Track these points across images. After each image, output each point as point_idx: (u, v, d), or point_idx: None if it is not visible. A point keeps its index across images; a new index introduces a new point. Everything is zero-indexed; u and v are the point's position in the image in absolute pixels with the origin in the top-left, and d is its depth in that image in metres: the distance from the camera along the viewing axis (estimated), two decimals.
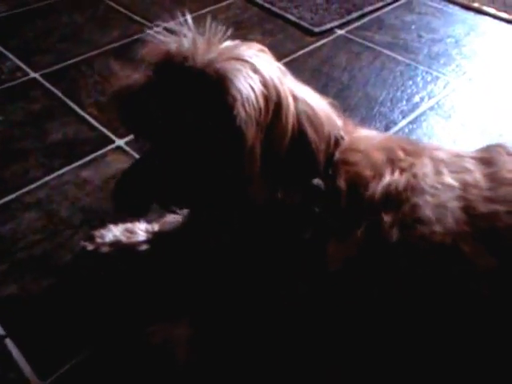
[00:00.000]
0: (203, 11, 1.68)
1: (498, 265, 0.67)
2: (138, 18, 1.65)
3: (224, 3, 1.75)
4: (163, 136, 0.59)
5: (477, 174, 0.72)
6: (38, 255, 0.90)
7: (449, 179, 0.71)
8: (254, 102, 0.58)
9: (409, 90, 1.36)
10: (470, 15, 1.73)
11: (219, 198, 0.63)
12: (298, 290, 0.71)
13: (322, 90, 1.30)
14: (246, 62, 0.60)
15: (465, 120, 1.26)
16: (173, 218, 0.89)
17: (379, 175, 0.69)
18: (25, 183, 1.04)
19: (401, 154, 0.72)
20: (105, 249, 0.88)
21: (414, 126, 1.24)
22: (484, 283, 0.67)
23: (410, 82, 1.39)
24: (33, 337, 0.79)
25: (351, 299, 0.69)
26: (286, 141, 0.62)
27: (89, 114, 1.23)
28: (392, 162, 0.71)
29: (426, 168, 0.71)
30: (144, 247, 0.87)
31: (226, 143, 0.59)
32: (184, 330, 0.75)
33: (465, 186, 0.70)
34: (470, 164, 0.74)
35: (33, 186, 1.03)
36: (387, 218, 0.67)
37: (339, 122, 0.71)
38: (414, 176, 0.70)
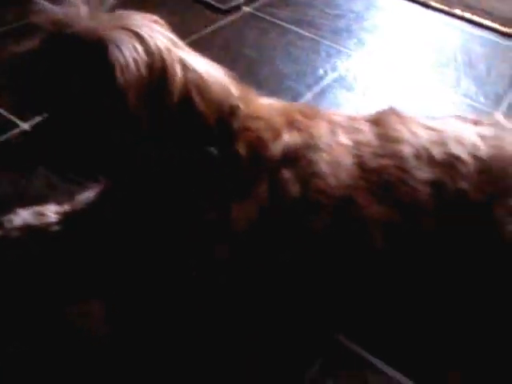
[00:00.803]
0: None
1: (388, 213, 0.74)
2: None
3: None
4: (52, 103, 0.60)
5: (368, 134, 0.78)
6: None
7: (343, 139, 0.76)
8: (134, 69, 0.60)
9: (314, 64, 1.42)
10: None
11: (112, 161, 0.65)
12: (206, 256, 0.74)
13: (231, 66, 1.31)
14: (131, 30, 0.62)
15: (366, 90, 1.34)
16: (83, 198, 0.89)
17: (278, 136, 0.73)
18: None
19: (299, 117, 0.77)
20: (15, 233, 0.86)
21: (320, 97, 1.30)
22: (377, 230, 0.73)
23: (315, 56, 1.45)
24: None
25: (260, 254, 0.73)
26: (173, 107, 0.64)
27: None
28: (290, 124, 0.75)
29: (322, 129, 0.77)
30: (55, 228, 0.86)
31: (109, 108, 0.60)
32: (99, 306, 0.76)
33: (357, 144, 0.76)
34: (363, 125, 0.80)
35: None
36: (286, 174, 0.71)
37: (236, 91, 0.74)
38: (311, 136, 0.75)
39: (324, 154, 0.74)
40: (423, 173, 0.75)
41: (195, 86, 0.66)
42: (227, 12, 1.61)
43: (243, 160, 0.71)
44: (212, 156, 0.68)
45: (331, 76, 1.38)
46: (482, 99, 1.33)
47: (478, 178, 0.76)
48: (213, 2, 1.63)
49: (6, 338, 0.76)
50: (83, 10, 0.62)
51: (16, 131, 1.10)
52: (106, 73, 0.59)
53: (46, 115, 0.64)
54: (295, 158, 0.73)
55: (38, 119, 1.02)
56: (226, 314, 0.78)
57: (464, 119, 0.87)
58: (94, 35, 0.60)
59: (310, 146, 0.74)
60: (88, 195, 0.89)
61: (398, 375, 0.75)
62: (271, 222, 0.72)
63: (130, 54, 0.60)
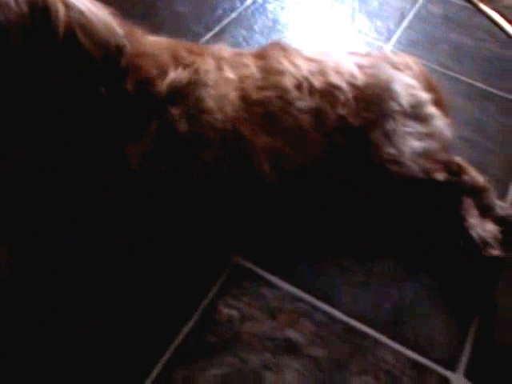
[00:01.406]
0: None
1: (274, 142, 0.80)
2: None
3: None
4: None
5: (252, 68, 0.82)
6: None
7: (228, 74, 0.80)
8: (15, 7, 0.60)
9: (213, 5, 1.42)
10: None
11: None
12: (106, 192, 0.77)
13: (130, 9, 1.31)
14: None
15: (264, 29, 1.37)
16: None
17: (164, 73, 0.75)
18: None
19: (185, 54, 0.79)
20: None
21: (219, 38, 1.31)
22: (262, 159, 0.79)
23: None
24: None
25: (157, 185, 0.78)
26: (59, 45, 0.65)
27: None
28: (176, 61, 0.78)
29: (208, 65, 0.80)
30: None
31: None
32: (3, 251, 0.78)
33: (242, 78, 0.80)
34: (248, 60, 0.84)
35: None
36: (175, 111, 0.75)
37: (121, 30, 0.75)
38: (197, 72, 0.78)
39: (210, 90, 0.78)
40: (304, 102, 0.81)
41: (79, 24, 0.67)
42: None
43: (132, 97, 0.73)
44: (101, 94, 0.70)
45: (230, 16, 1.39)
46: (374, 34, 1.40)
47: (356, 104, 0.83)
48: None
49: None
50: None
51: None
52: None
53: None
54: (182, 94, 0.76)
55: None
56: (127, 244, 0.82)
57: (346, 51, 0.93)
58: None
59: (197, 82, 0.77)
60: None
61: (290, 287, 0.82)
62: (164, 156, 0.76)
63: None
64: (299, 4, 1.48)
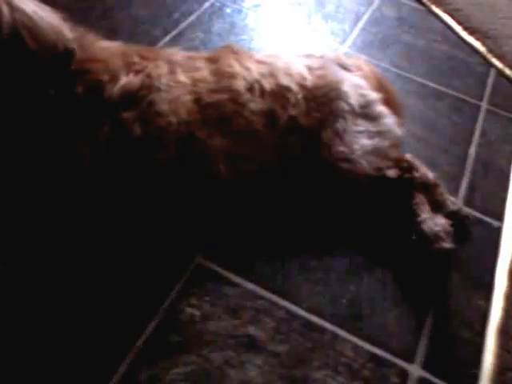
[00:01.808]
0: None
1: (227, 143, 0.81)
2: None
3: None
4: None
5: (205, 71, 0.83)
6: None
7: (181, 77, 0.81)
8: None
9: (170, 8, 1.43)
10: None
11: None
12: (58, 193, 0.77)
13: (87, 12, 1.30)
14: None
15: (222, 32, 1.38)
16: None
17: (115, 78, 0.76)
18: None
19: (137, 59, 0.80)
20: None
21: (177, 41, 1.32)
22: (217, 160, 0.80)
23: (174, 1, 1.46)
24: None
25: (110, 185, 0.78)
26: (4, 45, 0.65)
27: None
28: (128, 66, 0.78)
29: (160, 69, 0.81)
30: None
31: None
32: None
33: (195, 81, 0.81)
34: (200, 63, 0.85)
35: None
36: (127, 115, 0.75)
37: (71, 34, 0.75)
38: (149, 76, 0.79)
39: (163, 94, 0.78)
40: (256, 104, 0.82)
41: (24, 26, 0.67)
42: None
43: (82, 101, 0.73)
44: (51, 96, 0.70)
45: (188, 19, 1.40)
46: (330, 36, 1.43)
47: (306, 105, 0.86)
48: None
49: None
50: None
51: None
52: None
53: None
54: (135, 99, 0.77)
55: None
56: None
57: (298, 54, 0.95)
58: None
59: (149, 86, 0.78)
60: None
61: (251, 285, 0.84)
62: (117, 158, 0.76)
63: None
64: (257, 7, 1.50)
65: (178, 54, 0.86)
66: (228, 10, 1.47)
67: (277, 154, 0.85)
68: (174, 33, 1.34)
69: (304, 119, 0.85)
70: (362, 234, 0.93)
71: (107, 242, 0.84)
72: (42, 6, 0.74)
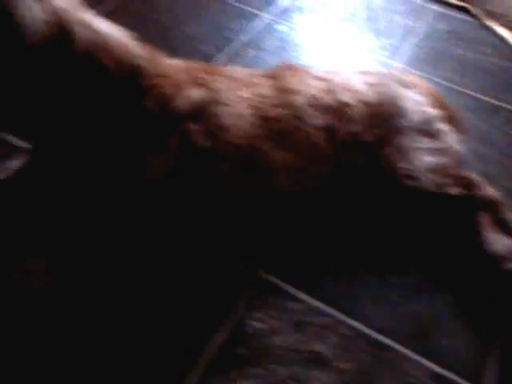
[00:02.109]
0: None
1: (289, 157, 0.82)
2: None
3: None
4: None
5: (265, 87, 0.85)
6: None
7: (243, 93, 0.83)
8: (34, 26, 0.64)
9: (224, 26, 1.46)
10: None
11: (33, 117, 0.70)
12: (129, 204, 0.79)
13: (144, 32, 1.34)
14: None
15: (275, 50, 1.40)
16: (12, 165, 0.91)
17: (182, 92, 0.78)
18: None
19: (201, 74, 0.82)
20: None
21: (231, 58, 1.34)
22: (279, 172, 0.81)
23: (224, 18, 1.49)
24: None
25: (177, 198, 0.80)
26: (78, 63, 0.68)
27: None
28: (193, 81, 0.80)
29: (223, 84, 0.82)
30: None
31: (16, 63, 0.64)
32: (40, 262, 0.80)
33: (256, 97, 0.83)
34: (261, 80, 0.86)
35: None
36: (194, 127, 0.77)
37: (142, 52, 0.78)
38: (213, 91, 0.81)
39: (227, 108, 0.80)
40: (316, 119, 0.83)
41: (99, 45, 0.70)
42: None
43: (153, 114, 0.76)
44: (124, 112, 0.72)
45: (241, 37, 1.42)
46: (381, 52, 1.43)
47: (367, 121, 0.85)
48: None
49: None
50: None
51: None
52: (9, 30, 0.62)
53: None
54: (201, 112, 0.79)
55: None
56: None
57: (353, 70, 0.95)
58: None
59: (214, 100, 0.80)
60: (17, 163, 0.91)
61: (314, 301, 0.83)
62: (185, 168, 0.78)
63: (29, 12, 0.63)
64: (307, 23, 1.51)
65: (238, 70, 0.88)
66: (277, 27, 1.48)
67: (336, 169, 0.85)
68: (226, 50, 1.37)
69: (364, 135, 0.84)
70: (424, 252, 0.91)
71: (172, 252, 0.85)
72: (113, 25, 0.77)
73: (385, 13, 1.59)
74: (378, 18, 1.57)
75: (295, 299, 0.83)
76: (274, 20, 1.51)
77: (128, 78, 0.73)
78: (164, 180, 0.78)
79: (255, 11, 1.53)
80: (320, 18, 1.54)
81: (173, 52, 1.31)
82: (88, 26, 0.71)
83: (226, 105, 0.80)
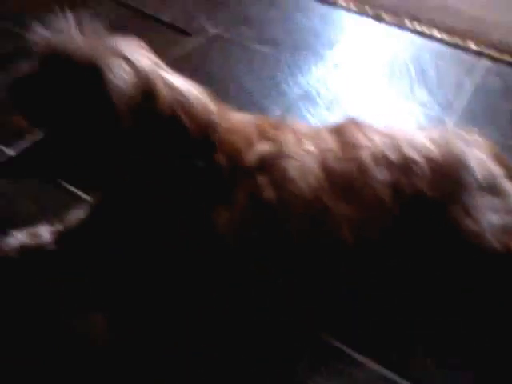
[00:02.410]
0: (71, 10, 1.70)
1: (354, 212, 0.83)
2: None
3: (92, 3, 1.78)
4: (52, 120, 0.68)
5: (331, 142, 0.87)
6: None
7: (308, 146, 0.85)
8: (125, 89, 0.69)
9: (278, 80, 1.51)
10: (325, 8, 1.94)
11: (106, 173, 0.74)
12: (196, 258, 0.82)
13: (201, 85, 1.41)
14: (121, 55, 0.71)
15: (328, 104, 1.44)
16: (73, 216, 0.95)
17: (251, 146, 0.81)
18: None
19: (268, 129, 0.85)
20: (12, 254, 0.91)
21: (286, 111, 1.39)
22: (346, 228, 0.82)
23: (279, 73, 1.55)
24: None
25: (244, 254, 0.82)
26: (161, 123, 0.73)
27: None
28: (261, 135, 0.84)
29: (289, 138, 0.85)
30: (51, 247, 0.92)
31: (104, 125, 0.69)
32: (100, 318, 0.82)
33: (321, 151, 0.85)
34: (325, 134, 0.89)
35: None
36: (262, 180, 0.80)
37: (214, 108, 0.83)
38: (280, 145, 0.83)
39: (293, 161, 0.83)
40: (382, 175, 0.84)
41: (180, 104, 0.75)
42: (193, 34, 1.69)
43: (223, 169, 0.79)
44: (198, 167, 0.76)
45: (295, 90, 1.47)
46: (435, 107, 1.45)
47: (432, 177, 0.86)
48: (179, 25, 1.71)
49: (12, 352, 0.80)
50: (75, 35, 0.70)
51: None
52: (101, 94, 0.67)
53: (43, 134, 0.73)
54: (269, 165, 0.81)
55: (23, 144, 1.09)
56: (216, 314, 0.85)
57: (415, 126, 0.97)
58: (90, 60, 0.68)
59: (281, 154, 0.83)
60: (77, 213, 0.95)
61: (380, 368, 0.81)
62: (251, 224, 0.80)
63: (121, 76, 0.68)
64: (360, 77, 1.55)
65: (303, 125, 0.91)
66: (331, 81, 1.53)
67: (401, 225, 0.85)
68: (282, 104, 1.42)
69: (429, 192, 0.85)
70: (488, 315, 0.88)
71: (234, 310, 0.86)
72: (190, 81, 0.82)
73: (436, 68, 1.62)
74: (427, 72, 1.60)
75: (359, 365, 0.81)
76: (327, 74, 1.56)
77: (203, 134, 0.77)
78: (230, 234, 0.80)
79: (309, 66, 1.59)
80: (372, 73, 1.58)
81: (230, 105, 1.37)
82: (170, 85, 0.75)
83: (293, 158, 0.83)
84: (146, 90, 0.72)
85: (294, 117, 1.37)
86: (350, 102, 1.45)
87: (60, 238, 0.93)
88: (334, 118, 1.36)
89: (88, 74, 0.68)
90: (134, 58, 0.71)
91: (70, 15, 0.72)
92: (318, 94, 1.47)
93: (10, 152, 1.16)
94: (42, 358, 0.79)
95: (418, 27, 1.83)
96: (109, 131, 0.70)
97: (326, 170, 0.83)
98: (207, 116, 0.78)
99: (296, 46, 1.68)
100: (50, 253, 0.92)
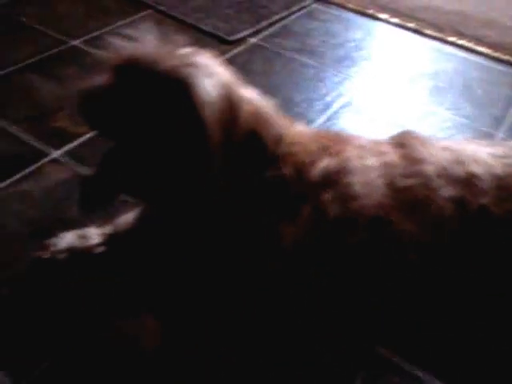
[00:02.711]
0: (117, 24, 1.71)
1: (418, 229, 0.80)
2: (50, 32, 1.64)
3: (138, 16, 1.79)
4: (131, 134, 0.66)
5: (393, 156, 0.84)
6: None
7: (371, 161, 0.83)
8: (214, 103, 0.66)
9: (320, 91, 1.50)
10: (366, 21, 1.93)
11: (183, 188, 0.71)
12: (260, 271, 0.79)
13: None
14: (204, 67, 0.68)
15: (372, 115, 1.42)
16: (123, 220, 0.94)
17: (315, 160, 0.79)
18: None
19: (330, 143, 0.83)
20: (60, 256, 0.90)
21: (330, 122, 1.37)
22: (409, 245, 0.79)
23: (321, 84, 1.53)
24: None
25: (306, 267, 0.79)
26: (241, 138, 0.71)
27: (18, 128, 1.23)
28: (324, 149, 0.81)
29: (351, 153, 0.83)
30: (100, 249, 0.91)
31: (190, 140, 0.66)
32: (151, 320, 0.80)
33: (384, 166, 0.83)
34: (386, 148, 0.86)
35: None
36: (327, 196, 0.77)
37: (282, 120, 0.81)
38: (343, 159, 0.81)
39: (357, 177, 0.80)
40: (446, 190, 0.81)
41: (257, 117, 0.73)
42: (234, 43, 1.69)
43: (290, 182, 0.77)
44: (267, 180, 0.74)
45: (338, 102, 1.46)
46: (481, 121, 1.42)
47: (497, 194, 0.83)
48: (220, 34, 1.71)
49: (59, 354, 0.79)
50: (153, 46, 0.68)
51: (47, 159, 1.15)
52: (189, 108, 0.65)
53: (115, 146, 0.70)
54: (333, 180, 0.79)
55: (67, 147, 1.09)
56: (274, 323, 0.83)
57: (473, 141, 0.94)
58: (173, 73, 0.66)
59: (345, 169, 0.80)
60: (127, 217, 0.94)
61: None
62: (315, 239, 0.78)
63: (210, 89, 0.66)
64: (403, 91, 1.53)
65: (363, 139, 0.89)
66: (378, 94, 1.51)
67: (464, 241, 0.82)
68: (326, 115, 1.40)
69: (495, 208, 0.82)
70: None
71: (289, 327, 0.84)
72: (259, 94, 0.80)
73: (480, 82, 1.59)
74: (473, 87, 1.57)
75: (416, 378, 0.79)
76: (369, 87, 1.54)
77: (275, 147, 0.75)
78: (294, 248, 0.77)
79: (351, 78, 1.57)
80: (416, 87, 1.56)
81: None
82: (248, 98, 0.74)
83: (357, 174, 0.80)
84: (229, 104, 0.70)
85: (339, 127, 1.35)
86: (394, 114, 1.43)
87: (110, 241, 0.92)
88: (379, 128, 1.34)
89: (171, 86, 0.66)
90: (215, 70, 0.69)
91: (149, 26, 0.70)
92: (361, 105, 1.45)
93: (57, 154, 1.16)
94: (91, 360, 0.79)
95: (461, 42, 1.80)
96: (194, 145, 0.67)
97: (390, 185, 0.81)
98: (280, 129, 0.77)
99: (337, 58, 1.67)
100: (98, 255, 0.91)
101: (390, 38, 1.83)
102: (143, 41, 0.69)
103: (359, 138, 0.89)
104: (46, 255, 0.90)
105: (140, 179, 0.69)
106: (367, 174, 0.81)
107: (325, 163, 0.80)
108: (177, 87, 0.66)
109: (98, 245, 0.91)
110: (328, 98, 1.47)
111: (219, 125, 0.68)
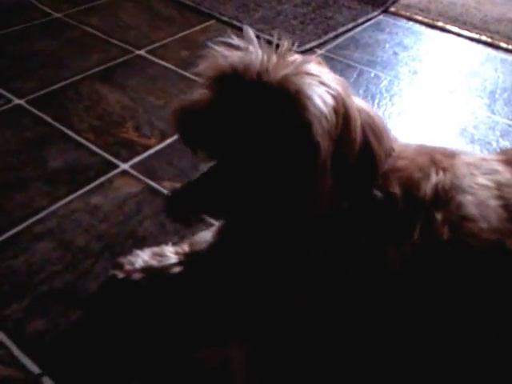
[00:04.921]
0: (181, 34, 1.68)
1: None
2: (115, 42, 1.62)
3: (201, 26, 1.76)
4: (236, 152, 0.58)
5: (507, 174, 0.75)
6: (59, 287, 0.85)
7: (483, 180, 0.74)
8: (328, 116, 0.59)
9: (398, 106, 1.41)
10: (436, 33, 1.84)
11: (284, 210, 0.63)
12: (362, 292, 0.71)
13: None
14: (316, 76, 0.61)
15: (448, 128, 1.33)
16: (201, 238, 0.87)
17: (427, 176, 0.71)
18: (31, 213, 0.98)
19: (440, 157, 0.75)
20: (136, 275, 0.84)
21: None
22: None
23: (397, 98, 1.45)
24: (70, 373, 0.74)
25: (410, 294, 0.70)
26: (354, 153, 0.63)
27: (86, 139, 1.19)
28: (434, 164, 0.73)
29: (462, 169, 0.74)
30: (177, 269, 0.84)
31: (300, 158, 0.59)
32: (238, 350, 0.72)
33: (499, 185, 0.73)
34: (497, 166, 0.77)
35: (40, 216, 0.98)
36: (438, 217, 0.69)
37: (391, 132, 0.73)
38: (455, 176, 0.72)
39: (469, 196, 0.71)
40: None
41: (370, 129, 0.65)
42: (301, 54, 1.63)
43: (398, 200, 0.68)
44: (377, 199, 0.66)
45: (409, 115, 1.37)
46: None
47: None
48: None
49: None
50: (258, 55, 0.61)
51: (117, 171, 1.10)
52: (300, 122, 0.58)
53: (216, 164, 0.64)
54: (445, 199, 0.70)
55: (136, 159, 1.04)
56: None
57: None
58: (288, 83, 0.58)
59: (458, 187, 0.72)
60: (204, 235, 0.88)
61: None
62: (423, 263, 0.69)
63: (323, 101, 0.59)
64: (484, 107, 1.43)
65: (468, 154, 0.80)
66: (452, 108, 1.42)
67: None
68: (404, 130, 1.32)
69: None
70: None
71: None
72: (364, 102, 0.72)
73: None
74: (503, 90, 1.48)
75: None
76: (447, 101, 1.45)
77: (384, 161, 0.67)
78: (401, 270, 0.69)
79: (429, 91, 1.49)
80: (497, 104, 1.46)
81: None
82: (357, 107, 0.66)
83: (468, 193, 0.72)
84: (342, 116, 0.62)
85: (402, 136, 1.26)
86: (468, 123, 1.33)
87: (187, 260, 0.85)
88: (456, 145, 1.25)
89: (283, 98, 0.58)
90: (326, 79, 0.62)
91: (250, 31, 0.63)
92: (434, 118, 1.36)
93: (127, 166, 1.12)
94: None
95: (504, 45, 1.74)
96: (304, 165, 0.60)
97: (508, 207, 0.71)
98: (390, 142, 0.69)
99: (411, 70, 1.59)
100: (175, 275, 0.84)
101: (461, 51, 1.73)
102: (245, 49, 0.62)
103: (465, 153, 0.80)
104: (121, 275, 0.84)
105: (241, 199, 0.62)
106: (479, 193, 0.72)
107: (437, 179, 0.71)
108: (288, 99, 0.58)
109: (176, 264, 0.85)
110: (388, 107, 1.38)
111: (330, 140, 0.60)
